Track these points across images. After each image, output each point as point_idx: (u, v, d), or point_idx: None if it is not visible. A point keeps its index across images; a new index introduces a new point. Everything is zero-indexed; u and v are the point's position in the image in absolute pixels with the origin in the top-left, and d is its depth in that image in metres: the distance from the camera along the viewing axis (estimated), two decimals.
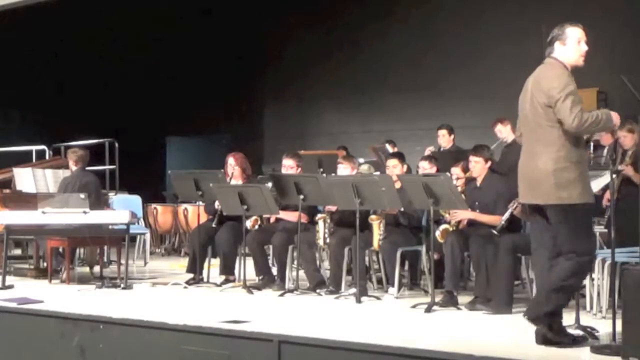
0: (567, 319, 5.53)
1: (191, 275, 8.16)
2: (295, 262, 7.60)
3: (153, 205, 11.84)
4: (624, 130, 7.13)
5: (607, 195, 6.76)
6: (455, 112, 12.61)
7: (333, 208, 7.49)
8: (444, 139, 10.48)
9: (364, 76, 14.37)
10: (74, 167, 8.95)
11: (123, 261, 8.01)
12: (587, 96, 11.68)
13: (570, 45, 5.15)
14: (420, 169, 7.92)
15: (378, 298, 7.07)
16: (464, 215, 6.80)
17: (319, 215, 7.58)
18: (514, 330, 5.64)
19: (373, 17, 14.26)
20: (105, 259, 9.16)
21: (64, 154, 11.02)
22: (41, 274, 8.82)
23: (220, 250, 8.08)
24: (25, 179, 9.70)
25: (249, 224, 7.78)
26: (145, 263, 10.61)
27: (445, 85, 13.43)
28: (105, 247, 8.91)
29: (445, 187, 6.47)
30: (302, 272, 7.65)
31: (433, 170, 7.59)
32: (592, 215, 6.56)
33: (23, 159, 11.75)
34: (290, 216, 7.78)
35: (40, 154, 12.36)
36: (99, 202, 8.66)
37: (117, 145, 12.20)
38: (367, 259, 7.76)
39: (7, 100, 14.27)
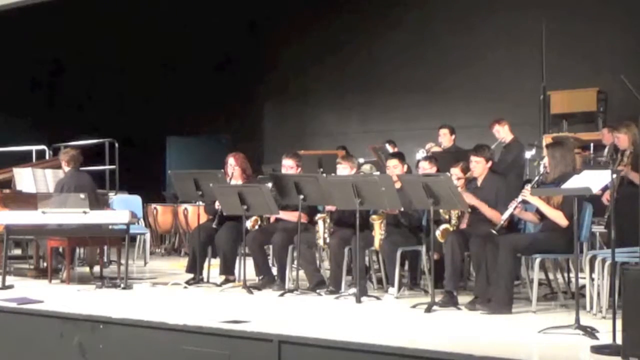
0: (567, 319, 5.55)
1: (191, 275, 8.16)
2: (295, 262, 7.60)
3: (153, 205, 11.84)
4: (620, 131, 7.13)
5: (607, 195, 6.77)
6: (455, 112, 12.61)
7: (332, 208, 7.49)
8: (445, 138, 10.50)
9: (364, 76, 14.36)
10: (66, 168, 8.90)
11: (123, 261, 8.01)
12: (587, 96, 11.69)
13: None
14: (420, 169, 7.92)
15: (378, 298, 7.07)
16: (469, 200, 6.78)
17: (318, 215, 7.57)
18: (514, 330, 5.65)
19: (373, 17, 14.27)
20: (105, 259, 9.16)
21: None
22: (41, 274, 8.82)
23: (220, 250, 8.07)
24: (25, 179, 9.69)
25: (249, 224, 7.78)
26: (145, 263, 10.61)
27: (445, 85, 13.43)
28: (105, 247, 8.91)
29: (445, 187, 6.47)
30: (302, 272, 7.65)
31: (433, 170, 7.59)
32: (592, 215, 6.60)
33: (23, 159, 11.75)
34: (290, 216, 7.78)
35: (40, 154, 12.36)
36: (96, 202, 8.63)
37: (117, 145, 12.20)
38: (367, 259, 7.76)
39: (7, 100, 14.28)
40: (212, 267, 8.33)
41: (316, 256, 7.88)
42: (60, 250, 8.79)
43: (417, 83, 13.71)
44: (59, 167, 9.13)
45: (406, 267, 7.68)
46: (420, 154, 9.88)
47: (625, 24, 11.86)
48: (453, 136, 10.51)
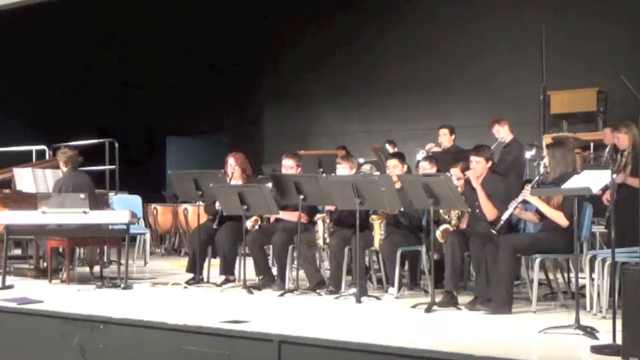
0: (567, 319, 5.55)
1: (191, 275, 8.16)
2: (295, 262, 7.60)
3: (153, 205, 11.84)
4: (620, 131, 7.13)
5: (607, 195, 6.77)
6: (455, 112, 12.62)
7: (332, 208, 7.49)
8: (445, 138, 10.50)
9: (364, 76, 14.37)
10: (64, 168, 8.88)
11: (123, 261, 8.01)
12: (587, 96, 11.71)
13: None
14: (420, 169, 7.92)
15: (378, 298, 7.07)
16: (472, 178, 6.79)
17: (317, 215, 7.57)
18: (514, 330, 5.65)
19: (373, 17, 14.27)
20: (105, 259, 9.15)
21: None
22: (41, 274, 8.82)
23: (220, 250, 8.07)
24: (25, 179, 9.69)
25: (249, 224, 7.78)
26: (145, 263, 10.61)
27: (445, 85, 13.43)
28: (105, 247, 8.91)
29: (445, 187, 6.47)
30: (302, 272, 7.65)
31: (433, 170, 7.59)
32: (592, 215, 6.60)
33: (23, 159, 11.74)
34: (290, 216, 7.78)
35: (40, 154, 12.35)
36: (95, 202, 8.62)
37: (117, 145, 12.20)
38: (367, 259, 7.76)
39: (7, 100, 14.27)
40: (212, 267, 8.33)
41: (316, 256, 7.88)
42: (60, 250, 8.79)
43: (417, 83, 13.71)
44: (59, 167, 9.13)
45: (406, 267, 7.67)
46: (421, 154, 9.88)
47: (625, 24, 11.86)
48: (453, 136, 10.51)
